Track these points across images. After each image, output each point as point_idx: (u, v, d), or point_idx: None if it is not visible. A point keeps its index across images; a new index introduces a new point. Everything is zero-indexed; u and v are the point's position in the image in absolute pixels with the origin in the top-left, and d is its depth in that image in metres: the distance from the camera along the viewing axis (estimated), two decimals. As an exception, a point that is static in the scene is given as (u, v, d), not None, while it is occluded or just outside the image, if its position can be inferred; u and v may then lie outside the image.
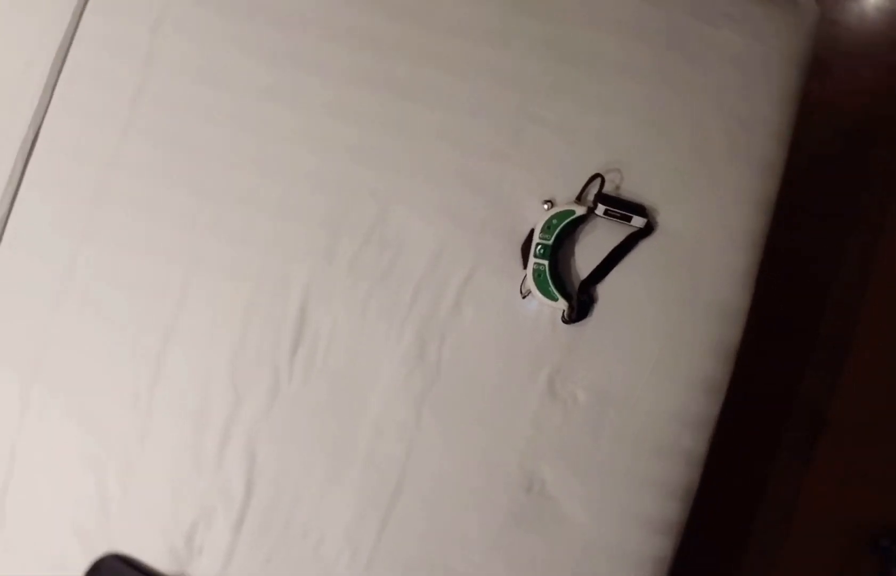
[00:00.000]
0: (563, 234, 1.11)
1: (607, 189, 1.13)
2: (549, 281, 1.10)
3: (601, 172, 1.13)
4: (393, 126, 1.18)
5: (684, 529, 1.14)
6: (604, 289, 1.14)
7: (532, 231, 1.12)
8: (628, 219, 1.10)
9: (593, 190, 1.13)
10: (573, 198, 1.14)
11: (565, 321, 1.12)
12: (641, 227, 1.11)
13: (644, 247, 1.14)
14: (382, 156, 1.17)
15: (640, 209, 1.12)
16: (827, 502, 1.72)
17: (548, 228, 1.10)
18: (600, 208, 1.10)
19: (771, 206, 1.16)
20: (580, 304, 1.11)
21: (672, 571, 1.14)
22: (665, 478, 1.12)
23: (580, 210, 1.10)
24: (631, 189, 1.15)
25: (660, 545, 1.12)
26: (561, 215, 1.10)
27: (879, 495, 1.71)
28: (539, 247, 1.10)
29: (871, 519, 1.71)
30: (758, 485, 1.73)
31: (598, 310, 1.13)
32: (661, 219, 1.14)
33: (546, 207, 1.12)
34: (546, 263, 1.10)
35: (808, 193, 1.75)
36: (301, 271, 1.16)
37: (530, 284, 1.11)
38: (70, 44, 1.23)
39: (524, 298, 1.13)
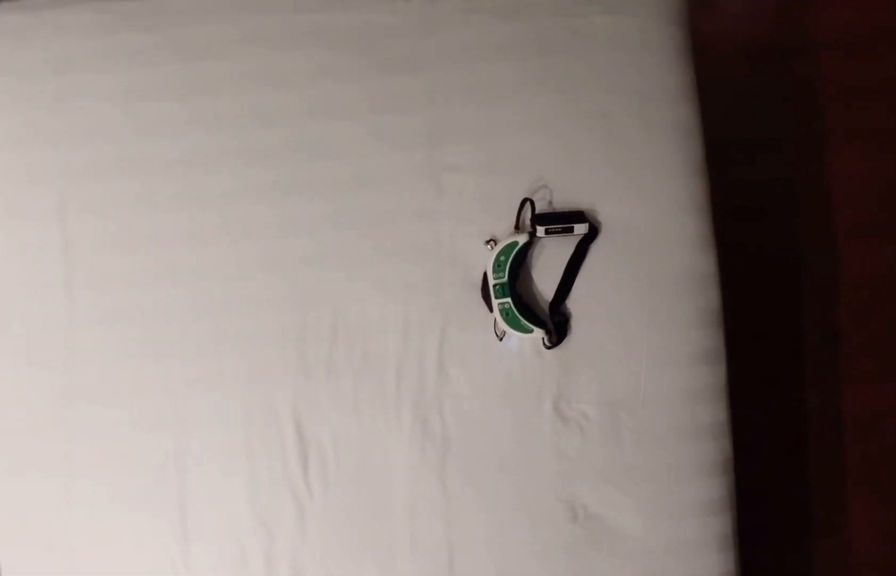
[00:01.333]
0: (515, 265, 1.13)
1: (541, 207, 1.16)
2: (519, 316, 1.12)
3: (529, 196, 1.15)
4: (318, 226, 1.18)
5: (741, 495, 1.17)
6: (574, 302, 1.16)
7: (485, 274, 1.14)
8: (570, 230, 1.13)
9: (529, 214, 1.15)
10: (512, 228, 1.16)
11: (548, 347, 1.15)
12: (586, 232, 1.13)
13: (597, 248, 1.16)
14: (320, 257, 1.18)
15: (578, 216, 1.14)
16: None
17: (498, 265, 1.12)
18: (540, 230, 1.12)
19: (701, 165, 1.19)
20: (556, 326, 1.14)
21: (742, 536, 1.18)
22: (698, 458, 1.15)
23: (522, 238, 1.12)
24: (564, 199, 1.17)
25: (718, 522, 1.16)
26: (506, 249, 1.12)
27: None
28: (497, 287, 1.12)
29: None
30: (798, 417, 1.77)
31: (576, 324, 1.16)
32: (603, 216, 1.17)
33: (490, 246, 1.14)
34: (508, 299, 1.12)
35: (730, 124, 1.79)
36: (284, 395, 1.16)
37: (502, 324, 1.14)
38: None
39: (501, 340, 1.15)
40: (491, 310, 1.14)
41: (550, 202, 1.16)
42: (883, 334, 1.75)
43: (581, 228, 1.13)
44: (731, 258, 1.22)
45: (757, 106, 1.81)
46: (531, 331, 1.13)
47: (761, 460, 1.67)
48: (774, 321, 1.77)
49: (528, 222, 1.15)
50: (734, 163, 1.74)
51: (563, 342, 1.15)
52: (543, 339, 1.13)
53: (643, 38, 1.20)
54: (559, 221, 1.13)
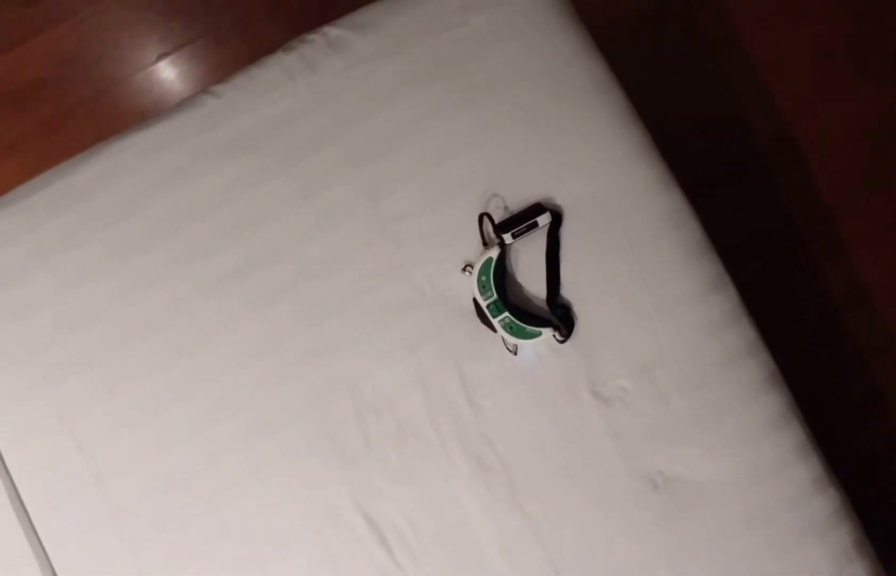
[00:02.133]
0: (499, 278, 1.11)
1: (499, 215, 1.14)
2: (522, 324, 1.10)
3: (483, 211, 1.14)
4: (300, 327, 1.15)
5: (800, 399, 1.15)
6: (567, 289, 1.14)
7: (475, 299, 1.12)
8: (535, 224, 1.11)
9: (491, 227, 1.13)
10: (481, 247, 1.14)
11: (561, 341, 1.12)
12: (550, 220, 1.12)
13: (567, 230, 1.15)
14: (317, 354, 1.15)
15: (537, 209, 1.12)
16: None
17: (483, 286, 1.10)
18: (507, 237, 1.10)
19: (628, 112, 1.19)
20: (561, 319, 1.12)
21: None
22: (744, 381, 1.13)
23: (494, 252, 1.10)
24: (517, 199, 1.15)
25: (791, 432, 1.13)
26: (484, 268, 1.10)
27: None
28: (490, 306, 1.10)
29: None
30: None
31: (578, 308, 1.14)
32: (561, 198, 1.15)
33: (468, 272, 1.13)
34: (506, 313, 1.10)
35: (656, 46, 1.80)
36: (340, 492, 1.13)
37: (510, 339, 1.11)
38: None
39: (516, 353, 1.13)
40: (494, 330, 1.11)
41: (506, 207, 1.15)
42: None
43: (544, 219, 1.12)
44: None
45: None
46: (539, 333, 1.10)
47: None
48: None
49: (493, 235, 1.13)
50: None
51: (574, 331, 1.13)
52: (554, 335, 1.11)
53: (527, 20, 1.19)
54: (521, 220, 1.11)
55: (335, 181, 1.17)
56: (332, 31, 1.21)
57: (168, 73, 1.79)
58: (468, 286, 1.13)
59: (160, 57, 1.79)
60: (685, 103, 1.76)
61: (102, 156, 1.20)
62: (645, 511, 1.12)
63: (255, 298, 1.15)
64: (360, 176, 1.17)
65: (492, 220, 1.13)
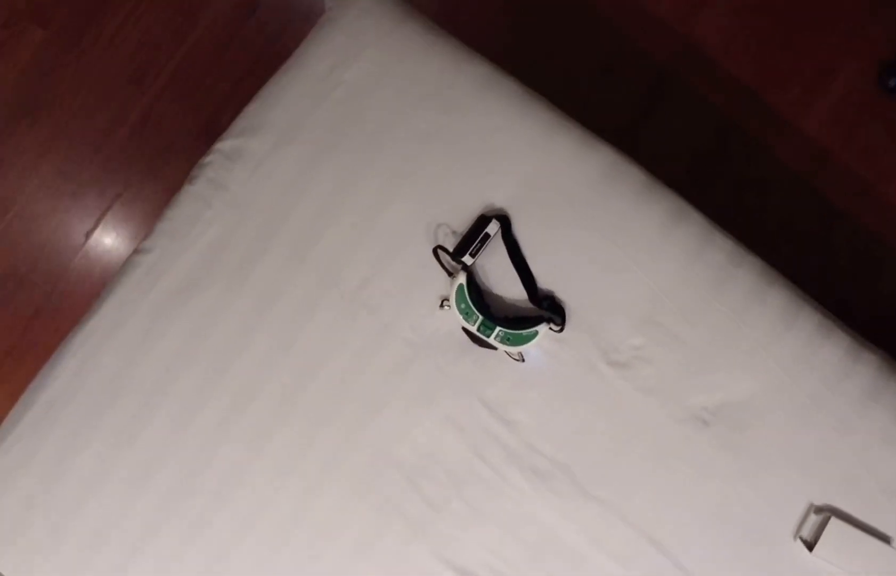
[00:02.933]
0: (476, 299, 1.08)
1: (452, 241, 1.12)
2: (517, 332, 1.07)
3: (435, 245, 1.11)
4: (323, 415, 1.11)
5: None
6: (546, 280, 1.12)
7: (464, 329, 1.10)
8: (487, 236, 1.09)
9: (448, 257, 1.11)
10: (447, 278, 1.12)
11: (559, 330, 1.10)
12: (499, 226, 1.10)
13: (520, 226, 1.12)
14: (349, 440, 1.12)
15: (484, 221, 1.10)
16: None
17: (466, 313, 1.07)
18: (467, 259, 1.08)
19: (532, 94, 1.17)
20: (551, 310, 1.10)
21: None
22: (743, 288, 1.10)
23: (461, 277, 1.08)
24: (462, 217, 1.13)
25: (806, 318, 1.10)
26: (459, 296, 1.07)
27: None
28: (480, 328, 1.07)
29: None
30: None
31: (562, 293, 1.11)
32: (500, 199, 1.13)
33: (446, 307, 1.10)
34: (497, 328, 1.07)
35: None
36: (422, 558, 1.09)
37: (512, 349, 1.09)
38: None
39: (524, 361, 1.11)
40: (494, 348, 1.09)
41: (454, 232, 1.12)
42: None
43: (493, 227, 1.09)
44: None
45: None
46: (536, 333, 1.07)
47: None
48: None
49: (453, 262, 1.10)
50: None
51: (567, 315, 1.10)
52: (550, 328, 1.08)
53: (395, 54, 1.18)
54: (472, 238, 1.08)
55: (288, 281, 1.15)
56: (224, 145, 1.19)
57: (102, 245, 1.77)
58: (453, 319, 1.10)
59: (88, 235, 1.77)
60: (578, 59, 1.74)
61: (67, 356, 1.17)
62: (706, 449, 1.09)
63: (267, 424, 1.13)
64: (308, 266, 1.15)
65: (445, 249, 1.11)
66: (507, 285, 1.13)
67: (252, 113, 1.19)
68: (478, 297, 1.10)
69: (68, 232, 1.78)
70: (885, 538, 1.06)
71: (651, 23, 1.73)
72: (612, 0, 1.74)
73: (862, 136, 1.68)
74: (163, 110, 1.78)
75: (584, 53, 1.74)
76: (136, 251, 1.20)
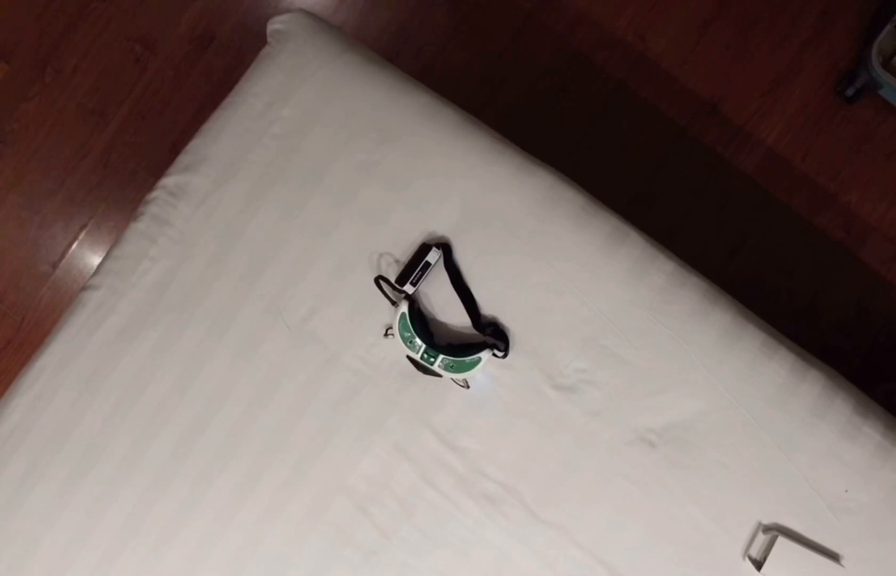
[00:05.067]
0: (419, 327, 1.08)
1: (394, 270, 1.12)
2: (460, 359, 1.07)
3: (377, 275, 1.11)
4: (273, 446, 1.11)
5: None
6: (489, 305, 1.11)
7: (409, 358, 1.10)
8: (428, 265, 1.09)
9: (390, 287, 1.11)
10: (390, 307, 1.12)
11: (503, 356, 1.09)
12: (441, 253, 1.10)
13: (461, 251, 1.12)
14: (299, 470, 1.11)
15: (425, 249, 1.10)
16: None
17: (410, 341, 1.07)
18: (408, 288, 1.08)
19: (471, 119, 1.18)
20: (494, 336, 1.09)
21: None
22: (685, 308, 1.09)
23: (404, 306, 1.07)
24: (404, 245, 1.13)
25: (749, 337, 1.09)
26: (402, 325, 1.07)
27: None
28: (424, 356, 1.07)
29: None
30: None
31: (505, 318, 1.11)
32: (440, 225, 1.13)
33: (390, 336, 1.10)
34: (441, 355, 1.07)
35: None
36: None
37: (457, 376, 1.09)
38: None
39: (469, 387, 1.10)
40: (439, 375, 1.09)
41: (397, 260, 1.12)
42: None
43: (434, 255, 1.09)
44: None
45: None
46: (479, 360, 1.07)
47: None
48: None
49: (396, 292, 1.11)
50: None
51: (511, 340, 1.10)
52: (494, 354, 1.08)
53: (332, 89, 1.18)
54: (414, 266, 1.08)
55: (233, 316, 1.15)
56: (169, 181, 1.19)
57: (69, 275, 1.78)
58: (398, 347, 1.10)
59: (55, 265, 1.78)
60: (533, 78, 1.74)
61: (18, 394, 1.18)
62: (653, 470, 1.09)
63: (216, 458, 1.13)
64: (253, 300, 1.15)
65: (386, 280, 1.11)
66: (450, 312, 1.13)
67: (194, 149, 1.20)
68: (421, 325, 1.10)
69: (36, 263, 1.79)
70: (833, 556, 1.06)
71: (607, 39, 1.74)
72: (566, 16, 1.75)
73: (822, 145, 1.68)
74: (125, 141, 1.79)
75: (538, 72, 1.74)
76: (84, 288, 1.20)
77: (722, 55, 1.71)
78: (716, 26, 1.72)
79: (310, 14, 1.26)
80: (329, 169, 1.16)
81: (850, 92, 1.66)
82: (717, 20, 1.72)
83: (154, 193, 1.19)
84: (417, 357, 1.09)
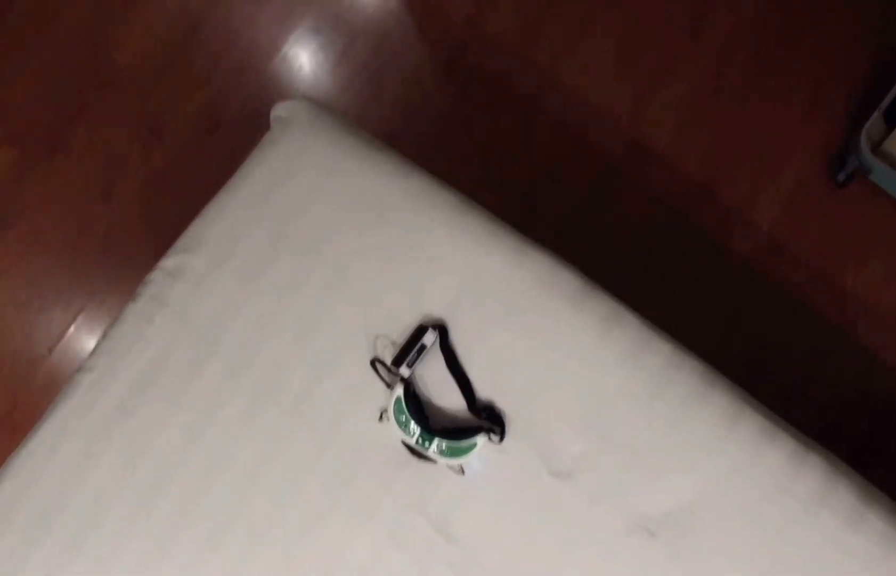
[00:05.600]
0: (415, 410, 1.07)
1: (389, 353, 1.11)
2: (456, 443, 1.05)
3: (372, 357, 1.10)
4: (266, 526, 1.08)
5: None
6: (485, 388, 1.10)
7: (404, 442, 1.08)
8: (424, 347, 1.08)
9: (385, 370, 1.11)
10: (385, 390, 1.10)
11: (500, 441, 1.07)
12: (437, 335, 1.10)
13: (457, 332, 1.12)
14: (289, 551, 1.08)
15: (421, 330, 1.10)
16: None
17: (405, 425, 1.05)
18: (404, 370, 1.07)
19: (468, 202, 1.20)
20: (489, 420, 1.08)
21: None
22: (680, 392, 1.08)
23: (399, 389, 1.06)
24: (401, 327, 1.12)
25: (748, 422, 1.07)
26: (397, 409, 1.06)
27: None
28: (418, 441, 1.05)
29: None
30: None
31: (502, 401, 1.09)
32: (437, 306, 1.13)
33: (385, 419, 1.08)
34: (436, 440, 1.05)
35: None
36: None
37: (452, 462, 1.06)
38: None
39: (465, 473, 1.07)
40: (434, 461, 1.07)
41: (394, 342, 1.12)
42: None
43: (430, 337, 1.09)
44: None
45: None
46: (475, 444, 1.05)
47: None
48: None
49: (391, 374, 1.10)
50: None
51: (507, 424, 1.08)
52: (490, 438, 1.06)
53: (336, 168, 1.19)
54: (410, 348, 1.08)
55: (227, 398, 1.14)
56: (168, 262, 1.21)
57: (65, 359, 1.77)
58: (393, 431, 1.08)
59: (51, 349, 1.78)
60: (527, 160, 1.78)
61: (6, 479, 1.15)
62: (655, 560, 1.05)
63: (206, 540, 1.09)
64: (247, 381, 1.14)
65: (382, 362, 1.10)
66: (446, 395, 1.11)
67: (194, 231, 1.22)
68: (417, 408, 1.09)
69: (32, 346, 1.79)
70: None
71: (600, 121, 1.78)
72: (560, 100, 1.80)
73: (816, 227, 1.70)
74: (129, 223, 1.82)
75: (532, 154, 1.78)
76: (78, 370, 1.20)
77: (714, 140, 1.75)
78: (708, 112, 1.77)
79: (312, 100, 1.30)
80: (326, 249, 1.17)
81: (841, 176, 1.69)
82: (709, 106, 1.77)
83: (153, 274, 1.20)
84: (412, 442, 1.07)
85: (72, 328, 1.79)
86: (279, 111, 1.30)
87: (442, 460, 1.07)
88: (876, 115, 1.60)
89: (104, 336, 1.20)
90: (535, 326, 1.12)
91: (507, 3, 1.84)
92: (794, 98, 1.76)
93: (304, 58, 1.87)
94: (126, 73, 1.89)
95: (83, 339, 1.79)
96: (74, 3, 1.93)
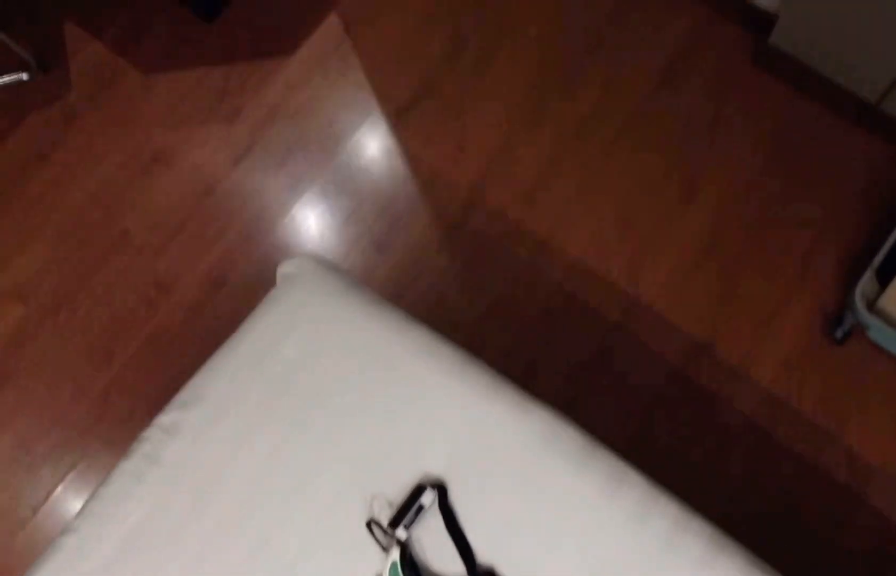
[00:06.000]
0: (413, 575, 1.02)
1: (386, 514, 1.07)
2: None
3: (368, 519, 1.06)
4: None
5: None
6: (485, 551, 1.04)
7: None
8: (421, 508, 1.04)
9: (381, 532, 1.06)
10: (381, 554, 1.05)
11: None
12: (436, 495, 1.06)
13: (457, 492, 1.08)
14: None
15: (419, 490, 1.06)
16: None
17: None
18: (401, 533, 1.02)
19: (467, 355, 1.19)
20: None
21: None
22: (697, 558, 1.01)
23: (395, 552, 1.01)
24: (400, 484, 1.09)
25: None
26: (392, 574, 1.00)
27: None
28: None
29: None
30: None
31: (504, 566, 1.04)
32: (437, 465, 1.10)
33: None
34: None
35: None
36: None
37: None
38: None
39: None
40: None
41: (391, 502, 1.08)
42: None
43: (429, 496, 1.05)
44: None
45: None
46: (473, 614, 1.00)
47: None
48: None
49: (387, 537, 1.04)
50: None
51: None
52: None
53: (334, 327, 1.20)
54: (407, 509, 1.04)
55: (216, 558, 1.08)
56: (164, 419, 1.19)
57: (50, 520, 1.70)
58: (388, 600, 1.02)
59: (35, 510, 1.71)
60: (525, 321, 1.80)
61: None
62: None
63: None
64: (239, 541, 1.09)
65: (378, 523, 1.05)
66: (445, 559, 1.05)
67: (192, 387, 1.21)
68: (413, 573, 1.03)
69: (17, 505, 1.73)
70: None
71: (598, 284, 1.82)
72: (562, 261, 1.84)
73: (817, 385, 1.69)
74: (127, 381, 1.81)
75: (532, 316, 1.80)
76: (62, 532, 1.15)
77: (711, 297, 1.78)
78: (703, 270, 1.81)
79: (319, 258, 1.34)
80: (325, 405, 1.16)
81: (839, 334, 1.70)
82: (704, 264, 1.81)
83: (147, 432, 1.18)
84: (408, 615, 1.00)
85: (60, 488, 1.73)
86: (285, 268, 1.33)
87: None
88: (868, 274, 1.63)
89: (92, 496, 1.15)
90: (538, 486, 1.08)
91: (509, 171, 1.94)
92: (787, 258, 1.80)
93: (311, 219, 1.94)
94: (139, 235, 1.95)
95: (71, 499, 1.72)
96: (94, 173, 2.03)
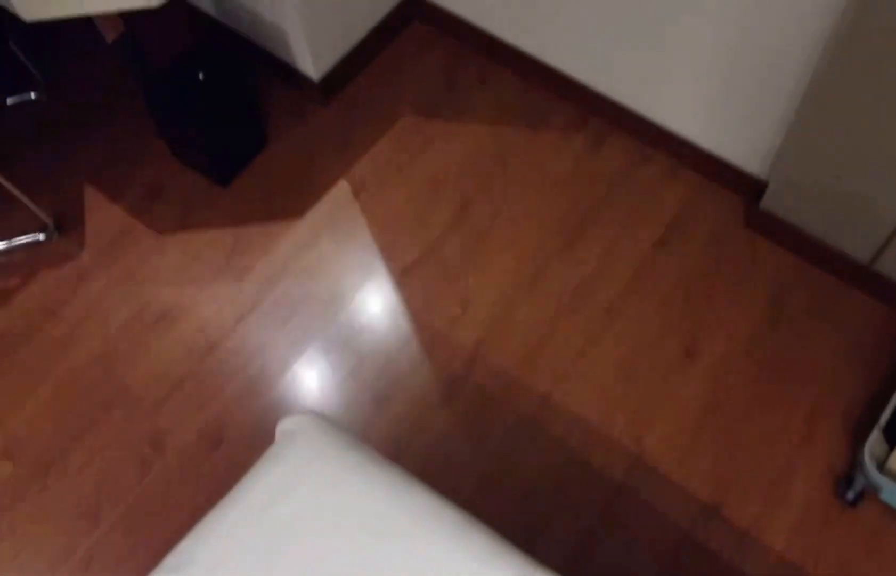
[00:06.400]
0: None
1: None
2: None
3: None
4: None
5: None
6: None
7: None
8: None
9: None
10: None
11: None
12: None
13: None
14: None
15: None
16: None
17: None
18: None
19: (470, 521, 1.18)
20: None
21: None
22: None
23: None
24: None
25: None
26: None
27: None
28: None
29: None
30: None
31: None
32: None
33: None
34: None
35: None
36: None
37: None
38: None
39: None
40: None
41: None
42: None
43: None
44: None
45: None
46: None
47: None
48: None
49: None
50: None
51: None
52: None
53: (330, 486, 1.18)
54: None
55: None
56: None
57: None
58: None
59: None
60: (532, 483, 1.77)
61: None
62: None
63: None
64: None
65: None
66: None
67: (183, 549, 1.15)
68: None
69: None
70: None
71: (601, 442, 1.79)
72: (563, 419, 1.82)
73: (831, 550, 1.62)
74: (114, 542, 1.73)
75: (534, 475, 1.76)
76: None
77: (716, 459, 1.75)
78: (707, 428, 1.79)
79: (319, 415, 1.32)
80: (321, 566, 1.10)
81: (850, 496, 1.65)
82: (707, 423, 1.79)
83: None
84: None
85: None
86: (285, 424, 1.31)
87: None
88: (876, 433, 1.61)
89: None
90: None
91: (510, 330, 1.97)
92: (792, 417, 1.79)
93: (312, 376, 1.94)
94: (136, 392, 1.94)
95: None
96: (100, 331, 2.05)
